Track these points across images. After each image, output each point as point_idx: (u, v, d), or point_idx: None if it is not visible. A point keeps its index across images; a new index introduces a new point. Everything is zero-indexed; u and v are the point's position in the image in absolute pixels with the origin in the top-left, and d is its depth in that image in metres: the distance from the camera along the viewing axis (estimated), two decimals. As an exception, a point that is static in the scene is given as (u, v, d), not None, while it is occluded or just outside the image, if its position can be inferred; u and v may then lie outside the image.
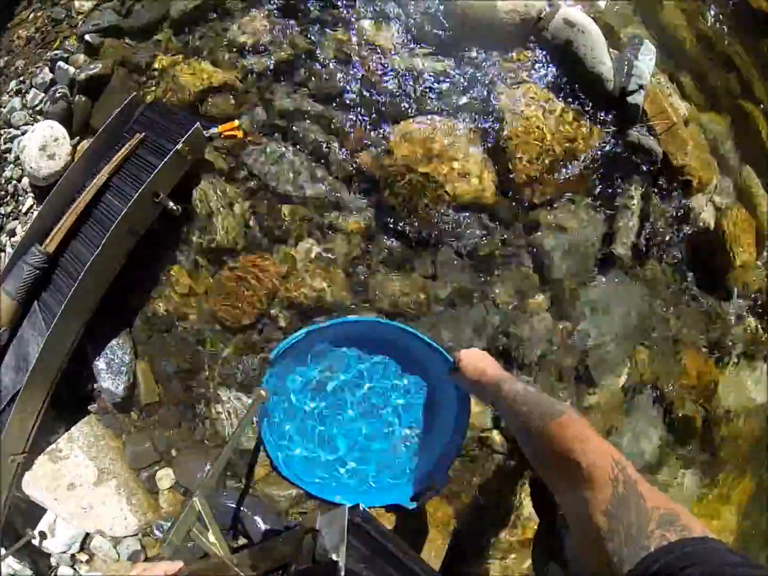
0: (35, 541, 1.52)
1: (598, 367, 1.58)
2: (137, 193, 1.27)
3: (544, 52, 1.69)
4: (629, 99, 1.67)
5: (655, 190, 1.69)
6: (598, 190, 1.63)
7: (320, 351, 1.24)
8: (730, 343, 1.76)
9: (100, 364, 1.47)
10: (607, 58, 1.68)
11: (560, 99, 1.64)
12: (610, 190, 1.64)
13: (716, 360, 1.74)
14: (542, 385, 1.50)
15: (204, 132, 1.32)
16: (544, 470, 0.67)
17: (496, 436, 1.43)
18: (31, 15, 1.92)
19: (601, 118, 1.65)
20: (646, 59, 1.74)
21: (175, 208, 1.29)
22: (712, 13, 1.98)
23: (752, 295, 1.78)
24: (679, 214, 1.70)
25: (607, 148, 1.64)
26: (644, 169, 1.66)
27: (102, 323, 1.43)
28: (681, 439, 1.66)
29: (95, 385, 1.52)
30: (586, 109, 1.64)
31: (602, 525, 0.49)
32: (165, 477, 1.49)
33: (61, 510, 1.50)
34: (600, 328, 1.61)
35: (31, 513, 1.58)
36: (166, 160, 1.27)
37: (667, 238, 1.69)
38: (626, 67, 1.72)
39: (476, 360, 0.99)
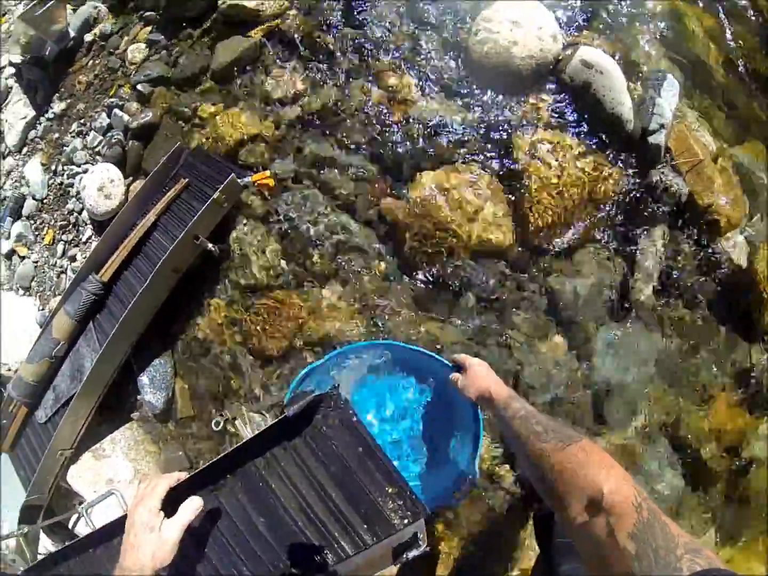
0: (73, 520, 1.72)
1: (615, 408, 1.55)
2: (179, 237, 1.45)
3: (562, 96, 1.69)
4: (650, 139, 1.62)
5: (680, 231, 1.64)
6: (618, 233, 1.60)
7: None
8: (766, 391, 1.63)
9: (144, 379, 1.66)
10: (626, 98, 1.64)
11: (579, 142, 1.63)
12: (631, 233, 1.61)
13: (749, 407, 1.63)
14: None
15: (239, 180, 1.48)
16: (558, 497, 0.65)
17: (505, 472, 1.46)
18: (90, 62, 2.16)
19: (622, 160, 1.63)
20: (669, 95, 1.68)
21: (213, 249, 1.46)
22: (742, 41, 1.94)
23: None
24: (706, 254, 1.64)
25: (628, 190, 1.61)
26: (667, 210, 1.62)
27: (148, 344, 1.63)
28: (702, 485, 1.58)
29: (138, 397, 1.72)
30: (606, 151, 1.62)
31: (629, 547, 0.49)
32: (191, 483, 1.67)
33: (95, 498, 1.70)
34: (619, 370, 1.57)
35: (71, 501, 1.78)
36: (204, 207, 1.45)
37: (693, 280, 1.63)
38: (648, 106, 1.67)
39: (484, 372, 1.00)
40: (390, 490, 0.91)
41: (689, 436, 1.58)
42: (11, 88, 2.37)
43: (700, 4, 2.03)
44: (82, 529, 1.72)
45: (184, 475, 0.94)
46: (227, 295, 1.53)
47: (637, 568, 0.48)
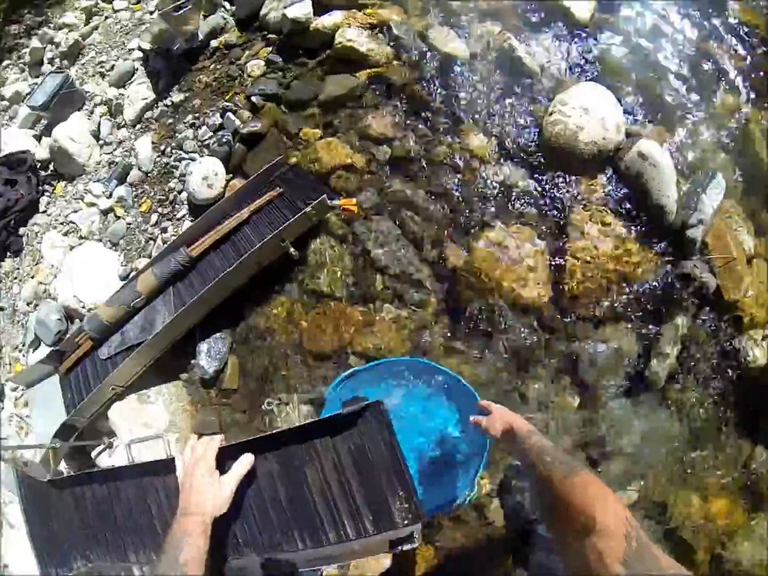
0: (98, 450, 1.91)
1: (610, 476, 1.63)
2: (268, 236, 1.70)
3: (616, 180, 1.87)
4: (688, 232, 1.76)
5: (704, 321, 1.74)
6: (645, 312, 1.74)
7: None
8: (763, 491, 1.67)
9: (203, 346, 1.88)
10: (673, 191, 1.78)
11: (624, 225, 1.79)
12: (656, 315, 1.74)
13: (745, 505, 1.67)
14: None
15: (328, 202, 1.74)
16: (557, 520, 0.73)
17: (491, 505, 1.57)
18: (212, 65, 2.47)
19: (660, 246, 1.79)
20: (714, 194, 1.81)
21: (294, 253, 1.71)
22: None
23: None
24: (724, 347, 1.73)
25: (661, 275, 1.76)
26: (695, 300, 1.74)
27: (215, 318, 1.85)
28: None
29: (192, 361, 1.93)
30: (647, 236, 1.78)
31: (619, 572, 0.55)
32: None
33: (130, 437, 1.88)
34: (621, 440, 1.66)
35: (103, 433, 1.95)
36: (295, 216, 1.70)
37: (708, 370, 1.72)
38: (692, 201, 1.80)
39: (506, 413, 1.10)
40: (401, 493, 1.07)
41: (679, 522, 1.62)
42: (136, 69, 2.70)
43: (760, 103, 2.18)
44: (103, 461, 1.93)
45: (223, 438, 1.13)
46: (295, 295, 1.77)
47: None
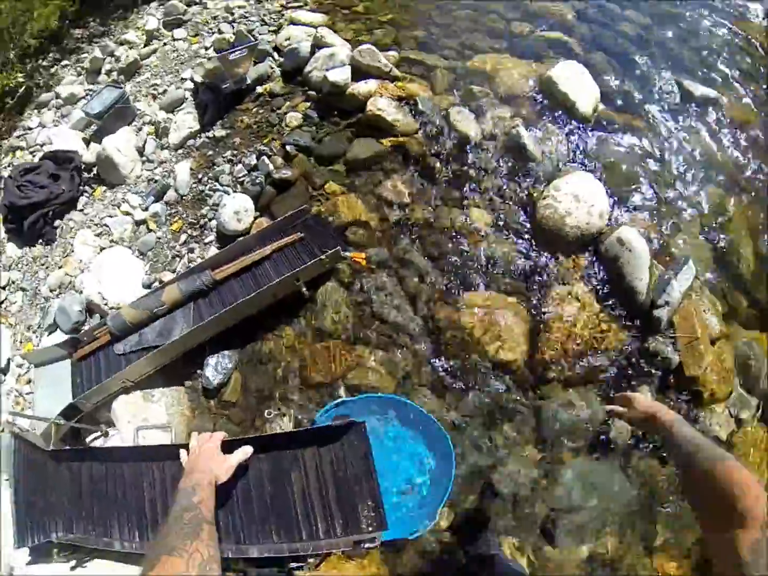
0: (93, 437, 2.10)
1: (565, 530, 1.71)
2: (285, 275, 1.97)
3: (595, 261, 2.11)
4: (655, 312, 1.95)
5: (665, 393, 1.91)
6: (611, 380, 1.92)
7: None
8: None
9: (211, 360, 2.10)
10: (645, 275, 1.99)
11: (598, 300, 2.01)
12: (621, 384, 1.92)
13: (693, 570, 1.74)
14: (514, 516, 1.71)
15: (341, 253, 2.02)
16: (702, 503, 0.78)
17: (450, 537, 1.71)
18: (255, 108, 2.79)
19: (629, 323, 1.99)
20: (683, 279, 2.01)
21: (306, 292, 1.99)
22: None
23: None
24: (686, 420, 1.91)
25: (628, 348, 1.94)
26: (658, 373, 1.92)
27: (227, 336, 2.09)
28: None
29: (198, 371, 2.14)
30: (618, 314, 2.00)
31: (745, 556, 0.61)
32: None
33: (126, 430, 2.02)
34: (580, 497, 1.74)
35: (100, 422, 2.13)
36: (312, 261, 1.98)
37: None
38: (663, 284, 1.99)
39: (650, 401, 1.14)
40: (370, 503, 1.29)
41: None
42: (186, 99, 3.01)
43: (745, 199, 2.45)
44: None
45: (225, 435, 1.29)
46: (300, 329, 2.03)
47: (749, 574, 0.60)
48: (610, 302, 2.04)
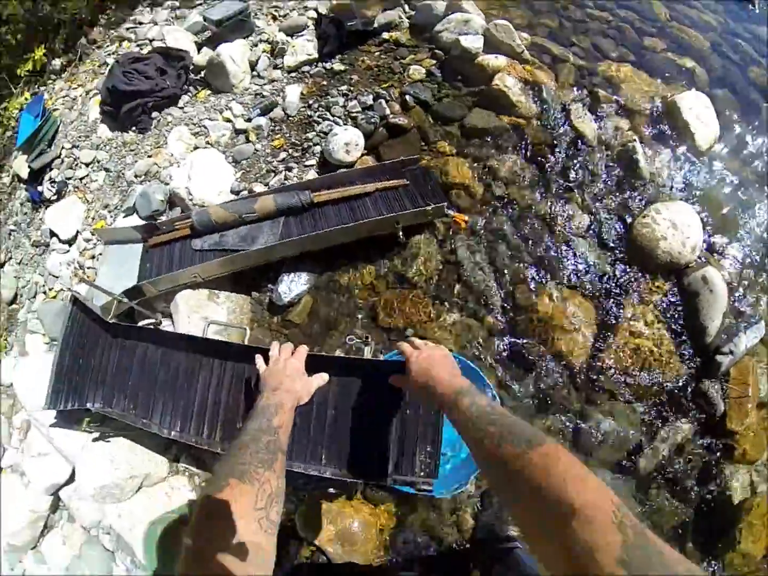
0: (146, 321, 2.12)
1: None
2: (386, 215, 1.97)
3: (675, 290, 2.11)
4: (717, 357, 1.97)
5: (702, 437, 1.91)
6: (656, 406, 1.94)
7: None
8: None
9: (286, 278, 2.08)
10: (718, 319, 2.00)
11: (668, 328, 2.02)
12: (664, 413, 1.93)
13: None
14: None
15: (446, 208, 2.01)
16: (517, 503, 0.59)
17: (468, 517, 1.71)
18: (377, 53, 2.77)
19: (688, 358, 2.00)
20: (751, 336, 2.02)
21: (401, 237, 1.98)
22: None
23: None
24: (710, 468, 1.87)
25: (682, 382, 1.96)
26: (702, 415, 1.93)
27: (308, 258, 2.09)
28: None
29: (270, 285, 2.14)
30: (682, 346, 2.01)
31: (618, 572, 0.43)
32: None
33: (184, 323, 2.04)
34: None
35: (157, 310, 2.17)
36: (417, 208, 1.97)
37: (689, 483, 1.85)
38: (731, 334, 2.01)
39: (431, 361, 0.93)
40: (429, 449, 1.31)
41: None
42: (307, 26, 3.00)
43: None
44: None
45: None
46: (383, 270, 2.02)
47: None
48: (679, 333, 2.06)
